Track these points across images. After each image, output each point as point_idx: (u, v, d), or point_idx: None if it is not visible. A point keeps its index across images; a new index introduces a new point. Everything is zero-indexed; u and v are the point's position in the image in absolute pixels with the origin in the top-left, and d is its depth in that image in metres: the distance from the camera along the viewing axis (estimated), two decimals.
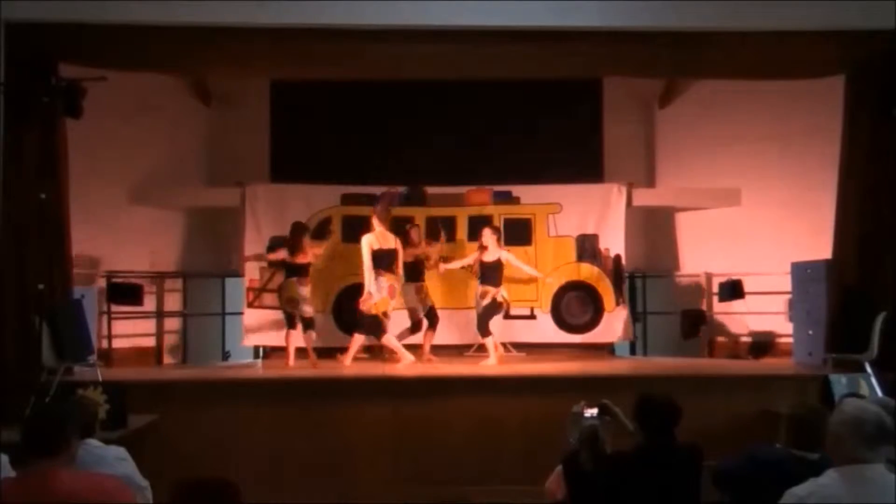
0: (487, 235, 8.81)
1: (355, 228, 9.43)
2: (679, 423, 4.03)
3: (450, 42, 7.48)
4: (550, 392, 6.92)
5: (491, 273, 8.77)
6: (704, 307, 10.11)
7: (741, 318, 9.78)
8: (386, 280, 8.54)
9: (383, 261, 8.53)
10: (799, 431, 3.65)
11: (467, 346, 9.55)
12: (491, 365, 8.45)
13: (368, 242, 8.53)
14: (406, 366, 8.41)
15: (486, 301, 8.69)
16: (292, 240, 8.67)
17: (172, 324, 10.28)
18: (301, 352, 8.68)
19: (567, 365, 8.61)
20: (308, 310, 8.64)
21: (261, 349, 10.13)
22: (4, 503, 2.89)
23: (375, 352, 9.59)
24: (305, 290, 8.62)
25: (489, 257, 8.79)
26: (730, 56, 7.93)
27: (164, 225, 10.23)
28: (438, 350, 9.08)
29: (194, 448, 6.46)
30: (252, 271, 9.67)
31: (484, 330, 8.71)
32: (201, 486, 3.17)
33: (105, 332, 9.23)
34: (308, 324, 8.64)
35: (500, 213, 9.92)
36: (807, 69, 8.30)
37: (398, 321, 9.09)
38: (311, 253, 8.70)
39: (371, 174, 10.05)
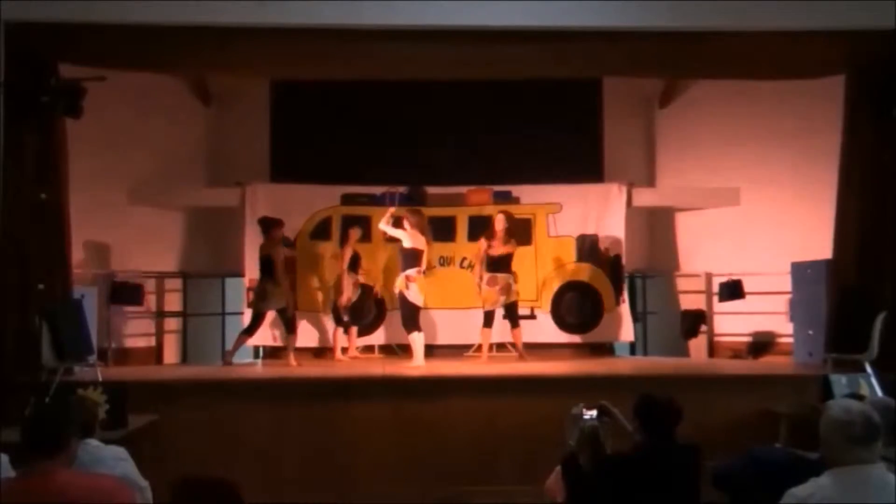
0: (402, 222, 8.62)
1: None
2: (679, 423, 4.03)
3: (450, 42, 7.48)
4: (550, 392, 6.91)
5: (405, 259, 8.62)
6: (704, 307, 10.10)
7: (741, 318, 9.78)
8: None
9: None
10: (799, 431, 3.65)
11: (467, 346, 9.55)
12: (415, 366, 8.25)
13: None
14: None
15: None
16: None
17: (172, 324, 10.29)
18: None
19: (567, 365, 8.60)
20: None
21: (261, 349, 10.13)
22: (4, 503, 2.88)
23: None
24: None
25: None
26: (730, 56, 7.93)
27: (164, 225, 10.24)
28: (438, 350, 9.08)
29: (194, 448, 6.45)
30: (252, 271, 9.67)
31: (410, 326, 8.51)
32: (201, 486, 3.16)
33: (105, 332, 9.22)
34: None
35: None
36: (807, 69, 8.30)
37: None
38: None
39: (371, 174, 10.06)
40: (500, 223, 8.90)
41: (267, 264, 8.71)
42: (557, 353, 9.64)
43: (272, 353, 9.80)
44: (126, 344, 9.66)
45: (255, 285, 8.99)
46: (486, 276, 8.92)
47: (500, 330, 9.36)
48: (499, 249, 8.85)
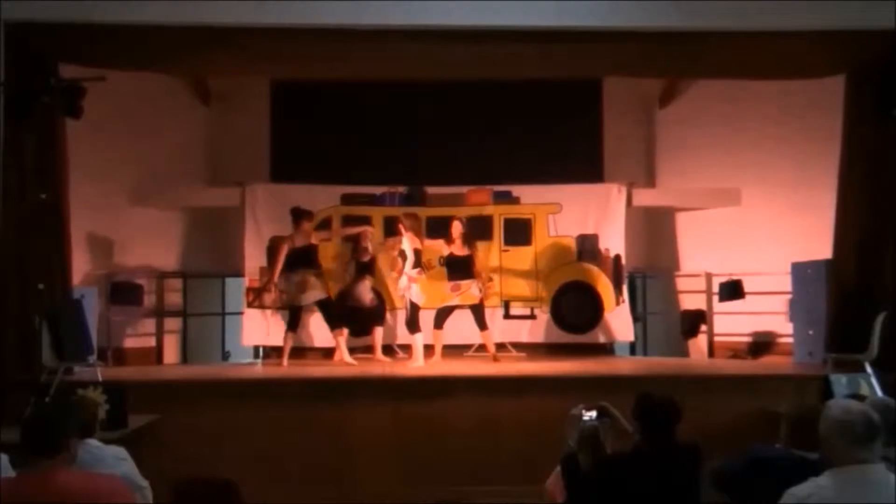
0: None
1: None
2: (679, 423, 4.03)
3: (450, 42, 7.48)
4: (550, 392, 6.92)
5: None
6: (704, 307, 10.10)
7: (741, 318, 9.77)
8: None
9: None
10: (799, 431, 3.65)
11: (467, 346, 9.54)
12: (415, 366, 8.33)
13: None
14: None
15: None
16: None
17: (172, 324, 10.28)
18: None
19: (567, 365, 8.59)
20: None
21: (261, 349, 10.13)
22: (4, 503, 2.89)
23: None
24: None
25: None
26: (730, 56, 7.93)
27: (164, 225, 10.23)
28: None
29: (194, 448, 6.45)
30: (252, 271, 9.67)
31: (412, 327, 8.64)
32: (201, 486, 3.17)
33: (105, 332, 9.22)
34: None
35: (500, 213, 9.93)
36: (807, 69, 8.30)
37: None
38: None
39: (371, 174, 10.06)
40: (456, 230, 8.82)
41: (307, 254, 8.74)
42: (557, 353, 9.64)
43: (271, 353, 9.79)
44: (126, 344, 9.66)
45: (288, 278, 8.71)
46: (450, 284, 8.82)
47: (501, 330, 9.37)
48: (460, 250, 8.78)
